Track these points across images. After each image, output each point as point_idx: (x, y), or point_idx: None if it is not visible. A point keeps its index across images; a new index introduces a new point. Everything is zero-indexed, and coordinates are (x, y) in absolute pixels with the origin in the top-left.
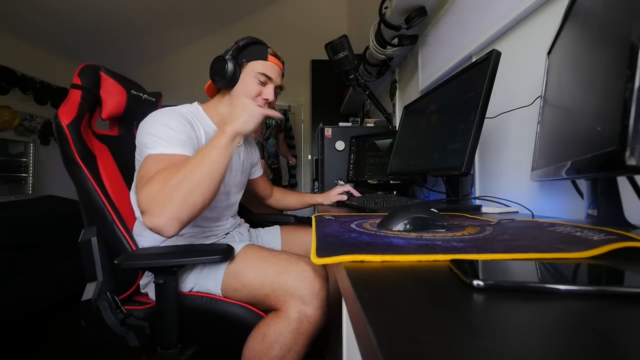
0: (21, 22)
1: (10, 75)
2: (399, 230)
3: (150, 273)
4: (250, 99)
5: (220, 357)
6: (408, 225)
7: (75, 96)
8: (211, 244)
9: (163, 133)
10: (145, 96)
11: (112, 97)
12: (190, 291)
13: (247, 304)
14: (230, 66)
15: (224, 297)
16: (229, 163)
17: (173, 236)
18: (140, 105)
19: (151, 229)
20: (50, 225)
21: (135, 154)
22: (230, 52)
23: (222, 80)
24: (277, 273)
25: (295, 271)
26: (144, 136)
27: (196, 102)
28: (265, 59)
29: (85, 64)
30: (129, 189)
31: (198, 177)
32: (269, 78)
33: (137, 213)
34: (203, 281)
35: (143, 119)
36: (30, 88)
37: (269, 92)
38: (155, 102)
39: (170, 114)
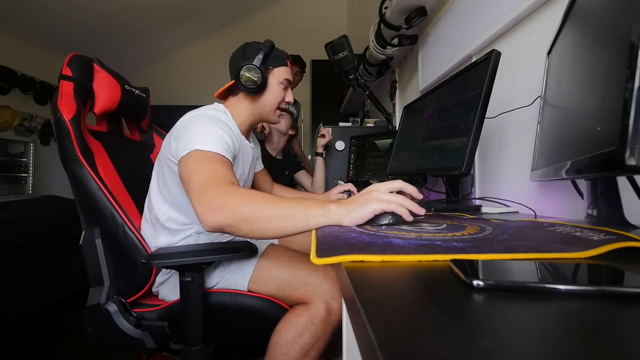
0: (21, 22)
1: (10, 75)
2: (385, 224)
3: (168, 272)
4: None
5: (239, 350)
6: (392, 219)
7: (67, 88)
8: (228, 241)
9: (212, 134)
10: (137, 92)
11: (106, 91)
12: (213, 287)
13: (272, 298)
14: (263, 74)
15: (250, 290)
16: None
17: (209, 230)
18: (133, 100)
19: (198, 214)
20: (50, 225)
21: (168, 147)
22: (261, 59)
23: (254, 88)
24: (308, 270)
25: (324, 271)
26: (191, 131)
27: (222, 105)
28: (287, 64)
29: (73, 53)
30: (126, 187)
31: (270, 214)
32: (290, 82)
33: (157, 213)
34: (230, 276)
35: (134, 114)
36: (30, 88)
37: (290, 95)
38: (145, 98)
39: (215, 120)
